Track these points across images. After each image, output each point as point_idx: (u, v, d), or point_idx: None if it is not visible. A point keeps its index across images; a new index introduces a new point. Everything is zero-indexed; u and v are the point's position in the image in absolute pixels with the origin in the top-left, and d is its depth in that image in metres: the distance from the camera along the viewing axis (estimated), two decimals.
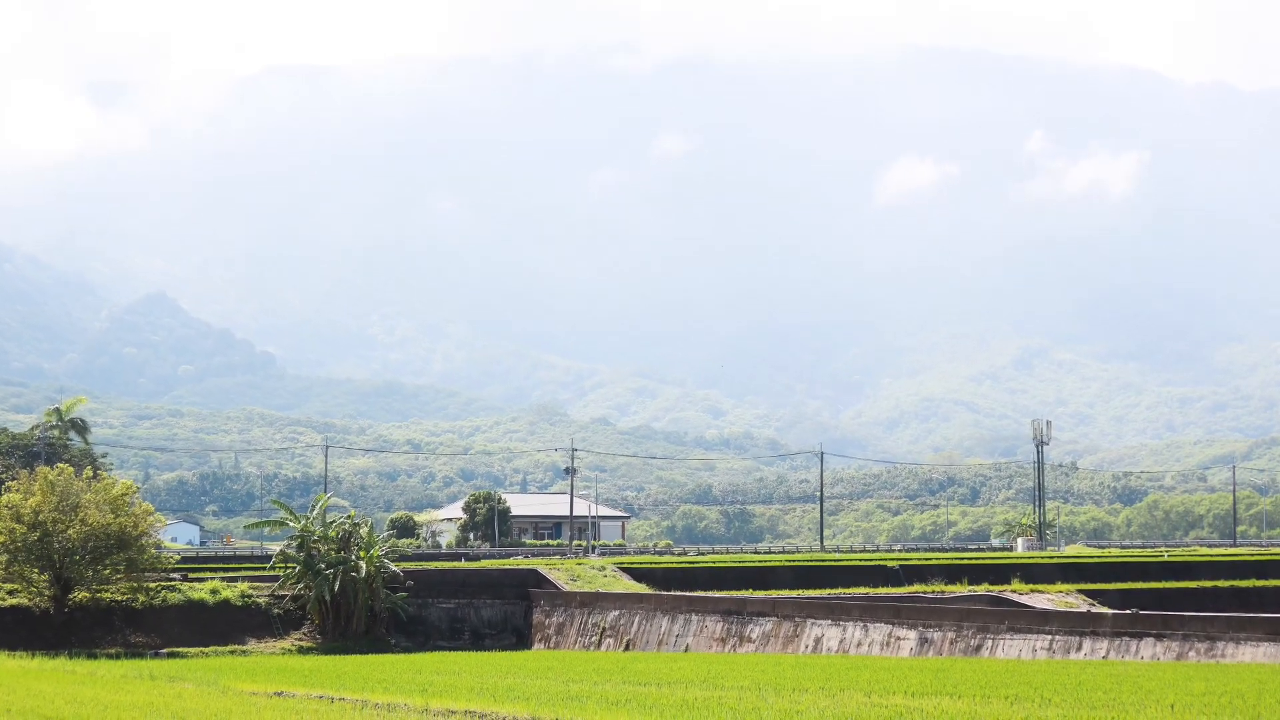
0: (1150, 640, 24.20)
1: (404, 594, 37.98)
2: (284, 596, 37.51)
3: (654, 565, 44.41)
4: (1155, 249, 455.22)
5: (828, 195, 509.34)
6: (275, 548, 44.88)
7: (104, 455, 79.24)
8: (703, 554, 68.19)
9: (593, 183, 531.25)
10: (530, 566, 42.13)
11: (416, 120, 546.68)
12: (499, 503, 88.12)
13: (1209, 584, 37.86)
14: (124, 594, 36.08)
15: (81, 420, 75.14)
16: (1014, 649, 26.00)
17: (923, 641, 27.60)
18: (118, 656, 32.50)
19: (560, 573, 40.51)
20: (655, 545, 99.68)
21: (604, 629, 35.12)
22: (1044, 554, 56.07)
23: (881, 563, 44.64)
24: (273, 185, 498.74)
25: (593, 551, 68.42)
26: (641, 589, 38.60)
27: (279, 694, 20.12)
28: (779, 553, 73.72)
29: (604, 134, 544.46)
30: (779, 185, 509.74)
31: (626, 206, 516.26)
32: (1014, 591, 35.49)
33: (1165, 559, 47.33)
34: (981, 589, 36.60)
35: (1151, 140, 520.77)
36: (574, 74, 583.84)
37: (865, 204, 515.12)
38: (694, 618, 32.60)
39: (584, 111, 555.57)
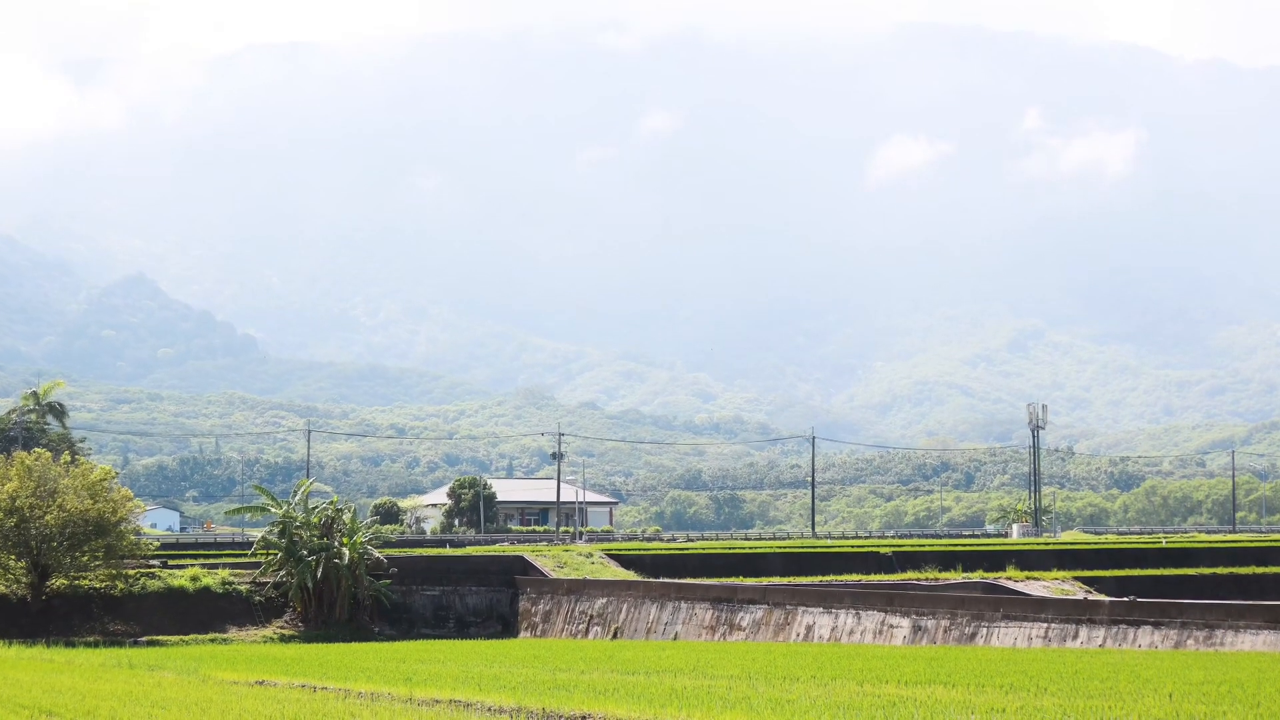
0: (1148, 628, 23.98)
1: (387, 581, 37.50)
2: (265, 584, 36.97)
3: (642, 552, 44.08)
4: (1152, 229, 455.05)
5: (819, 174, 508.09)
6: (257, 534, 44.27)
7: (82, 440, 78.18)
8: (692, 540, 67.97)
9: (580, 161, 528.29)
10: (516, 553, 41.69)
11: (399, 98, 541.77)
12: (484, 488, 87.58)
13: (1208, 571, 37.69)
14: (102, 581, 35.50)
15: (59, 404, 74.07)
16: (1009, 637, 25.78)
17: (916, 629, 27.35)
18: (96, 645, 31.99)
19: (547, 559, 40.11)
20: (644, 531, 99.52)
21: (591, 616, 34.77)
22: (1039, 540, 56.08)
23: (875, 549, 44.44)
24: (253, 164, 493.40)
25: (580, 538, 68.07)
26: (630, 576, 38.25)
27: (260, 683, 19.67)
28: (770, 539, 73.59)
29: (591, 112, 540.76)
30: (769, 164, 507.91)
31: (614, 185, 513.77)
32: (1009, 579, 35.28)
33: (1163, 545, 47.29)
34: (976, 576, 36.40)
35: (1149, 118, 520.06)
36: (561, 51, 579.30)
37: (857, 183, 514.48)
38: (683, 605, 32.28)
39: (571, 89, 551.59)
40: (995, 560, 40.41)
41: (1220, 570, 37.78)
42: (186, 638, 33.90)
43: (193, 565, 38.13)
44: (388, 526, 61.24)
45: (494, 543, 58.93)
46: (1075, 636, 24.81)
